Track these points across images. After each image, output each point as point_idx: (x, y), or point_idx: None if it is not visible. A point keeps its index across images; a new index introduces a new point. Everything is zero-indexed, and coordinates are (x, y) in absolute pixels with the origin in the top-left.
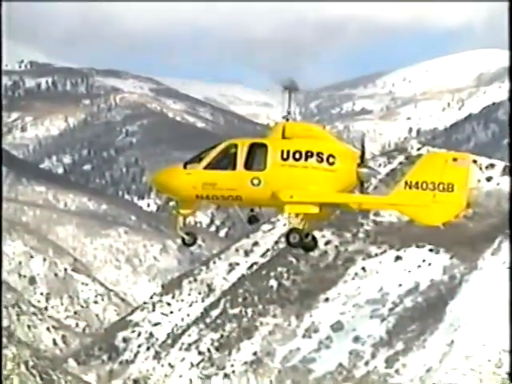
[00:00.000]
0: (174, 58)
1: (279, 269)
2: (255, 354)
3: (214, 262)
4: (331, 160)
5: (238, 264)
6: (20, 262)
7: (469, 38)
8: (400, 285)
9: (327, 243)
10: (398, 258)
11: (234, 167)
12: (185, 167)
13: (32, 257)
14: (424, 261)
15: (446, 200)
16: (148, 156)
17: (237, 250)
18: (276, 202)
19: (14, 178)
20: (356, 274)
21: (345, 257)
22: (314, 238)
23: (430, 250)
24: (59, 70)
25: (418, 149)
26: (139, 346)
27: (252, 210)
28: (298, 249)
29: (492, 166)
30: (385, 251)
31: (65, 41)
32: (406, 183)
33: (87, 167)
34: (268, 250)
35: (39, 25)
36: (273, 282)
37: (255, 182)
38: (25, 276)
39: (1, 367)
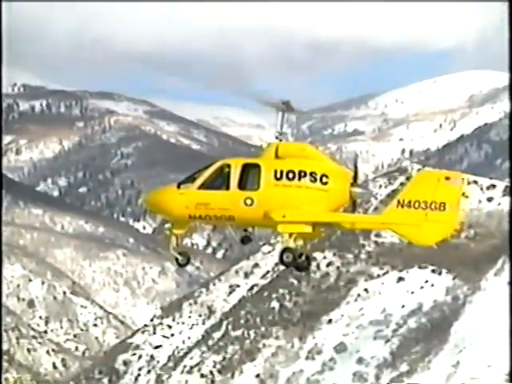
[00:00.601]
0: (166, 80)
1: (281, 290)
2: (258, 376)
3: (214, 284)
4: (324, 180)
5: (238, 286)
6: (18, 285)
7: (460, 60)
8: (403, 306)
9: (329, 264)
10: (400, 278)
11: (227, 187)
12: (178, 187)
13: (31, 280)
14: (427, 281)
15: (437, 219)
16: (143, 178)
17: (237, 272)
18: (269, 222)
19: (10, 200)
20: (358, 295)
21: (347, 278)
22: (307, 258)
23: (433, 271)
24: (52, 92)
25: (419, 169)
26: (140, 368)
27: (245, 230)
28: (299, 270)
29: (493, 186)
30: (387, 272)
31: (56, 64)
32: (399, 202)
33: (83, 189)
34: (268, 271)
35: (30, 47)
36: (274, 304)
37: (248, 202)
38: (23, 299)
39: (1, 372)
